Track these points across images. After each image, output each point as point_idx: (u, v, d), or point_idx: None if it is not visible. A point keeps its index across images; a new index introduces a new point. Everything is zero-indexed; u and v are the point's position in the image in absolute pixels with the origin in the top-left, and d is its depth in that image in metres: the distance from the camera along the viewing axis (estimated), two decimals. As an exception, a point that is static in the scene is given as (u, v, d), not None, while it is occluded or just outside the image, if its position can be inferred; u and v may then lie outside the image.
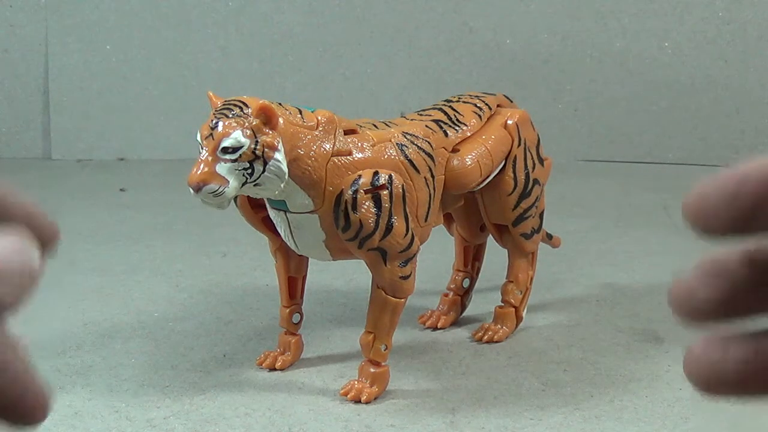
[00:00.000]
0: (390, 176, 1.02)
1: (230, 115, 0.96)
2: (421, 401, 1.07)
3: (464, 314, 1.33)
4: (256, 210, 1.11)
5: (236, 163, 0.95)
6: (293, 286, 1.16)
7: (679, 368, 1.16)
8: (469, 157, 1.13)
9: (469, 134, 1.16)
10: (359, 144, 1.04)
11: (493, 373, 1.14)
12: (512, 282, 1.26)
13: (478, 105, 1.20)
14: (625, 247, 1.70)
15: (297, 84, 2.54)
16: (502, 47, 2.50)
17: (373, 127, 1.09)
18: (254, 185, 0.97)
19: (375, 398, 1.06)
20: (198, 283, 1.50)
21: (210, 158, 0.95)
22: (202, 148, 0.96)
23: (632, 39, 2.47)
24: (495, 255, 1.32)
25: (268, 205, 1.07)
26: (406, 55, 2.53)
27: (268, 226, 1.11)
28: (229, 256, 1.64)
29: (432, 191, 1.10)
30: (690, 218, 0.26)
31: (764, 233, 0.26)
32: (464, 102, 1.21)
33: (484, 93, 1.24)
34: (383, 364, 1.08)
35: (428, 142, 1.10)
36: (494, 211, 1.22)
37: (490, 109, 1.21)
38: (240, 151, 0.95)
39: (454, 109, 1.18)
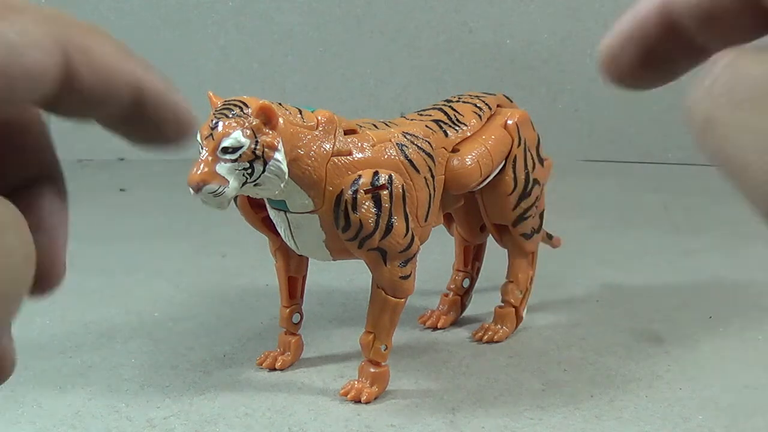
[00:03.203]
0: (390, 176, 1.02)
1: (230, 115, 0.96)
2: (421, 401, 1.07)
3: (464, 314, 1.33)
4: (256, 210, 1.11)
5: (236, 163, 0.95)
6: (293, 286, 1.16)
7: (679, 368, 1.16)
8: (469, 157, 1.13)
9: (469, 134, 1.16)
10: (359, 144, 1.04)
11: (493, 373, 1.14)
12: (512, 282, 1.26)
13: (478, 105, 1.20)
14: (625, 247, 1.70)
15: (297, 84, 2.54)
16: (502, 47, 2.50)
17: (373, 127, 1.09)
18: (254, 185, 0.97)
19: (375, 398, 1.06)
20: (198, 283, 1.50)
21: (210, 158, 0.95)
22: (202, 148, 0.96)
23: (632, 39, 2.47)
24: (495, 255, 1.32)
25: (268, 205, 1.07)
26: (406, 55, 2.53)
27: (268, 226, 1.11)
28: (229, 256, 1.65)
29: (432, 191, 1.10)
30: (604, 72, 0.27)
31: (676, 61, 0.26)
32: (464, 102, 1.21)
33: (484, 93, 1.24)
34: (383, 364, 1.08)
35: (428, 142, 1.10)
36: (494, 212, 1.22)
37: (490, 109, 1.21)
38: (240, 151, 0.95)
39: (454, 109, 1.18)
